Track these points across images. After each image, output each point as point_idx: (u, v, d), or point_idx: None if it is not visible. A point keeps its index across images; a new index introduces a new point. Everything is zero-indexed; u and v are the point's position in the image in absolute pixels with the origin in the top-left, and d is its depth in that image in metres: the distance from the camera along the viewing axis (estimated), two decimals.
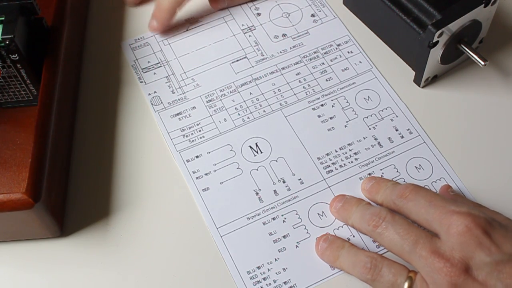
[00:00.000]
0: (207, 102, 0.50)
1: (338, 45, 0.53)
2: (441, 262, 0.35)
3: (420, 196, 0.39)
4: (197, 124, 0.49)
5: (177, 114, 0.50)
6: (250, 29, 0.54)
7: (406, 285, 0.37)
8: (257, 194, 0.45)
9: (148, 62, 0.53)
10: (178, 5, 0.53)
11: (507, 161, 0.46)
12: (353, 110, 0.49)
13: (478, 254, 0.35)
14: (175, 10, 0.53)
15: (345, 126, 0.48)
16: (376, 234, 0.39)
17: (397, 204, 0.40)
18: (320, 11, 0.55)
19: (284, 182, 0.46)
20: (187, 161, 0.47)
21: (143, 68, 0.52)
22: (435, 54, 0.47)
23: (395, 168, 0.46)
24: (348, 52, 0.52)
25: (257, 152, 0.47)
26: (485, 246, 0.35)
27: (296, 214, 0.44)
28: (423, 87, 0.50)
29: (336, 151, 0.47)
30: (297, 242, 0.43)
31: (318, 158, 0.47)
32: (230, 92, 0.51)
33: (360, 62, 0.52)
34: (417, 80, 0.50)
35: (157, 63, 0.53)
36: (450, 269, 0.35)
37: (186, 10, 0.55)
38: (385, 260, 0.39)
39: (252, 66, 0.52)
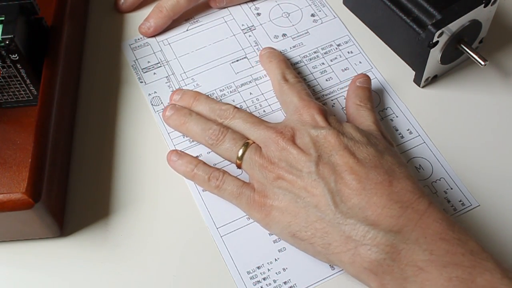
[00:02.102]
0: None
1: (338, 45, 0.53)
2: (274, 133, 0.43)
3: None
4: None
5: None
6: (250, 29, 0.54)
7: (241, 149, 0.43)
8: None
9: (148, 62, 0.53)
10: (176, 14, 0.54)
11: (507, 161, 0.46)
12: None
13: (307, 125, 0.42)
14: (172, 18, 0.54)
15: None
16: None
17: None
18: (320, 11, 0.55)
19: None
20: None
21: (143, 68, 0.52)
22: (435, 54, 0.47)
23: None
24: (348, 52, 0.52)
25: None
26: (316, 122, 0.43)
27: None
28: (423, 87, 0.50)
29: None
30: None
31: None
32: (230, 92, 0.51)
33: (360, 62, 0.52)
34: (417, 80, 0.50)
35: (157, 63, 0.53)
36: (280, 136, 0.42)
37: (186, 10, 0.55)
38: (230, 129, 0.45)
39: (252, 66, 0.52)
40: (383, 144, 0.42)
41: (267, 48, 0.51)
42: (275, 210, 0.41)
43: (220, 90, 0.51)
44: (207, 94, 0.50)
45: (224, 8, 0.56)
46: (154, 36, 0.54)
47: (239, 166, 0.44)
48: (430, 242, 0.35)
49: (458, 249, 0.35)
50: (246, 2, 0.56)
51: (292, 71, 0.49)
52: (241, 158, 0.43)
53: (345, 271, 0.39)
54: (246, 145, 0.43)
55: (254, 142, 0.44)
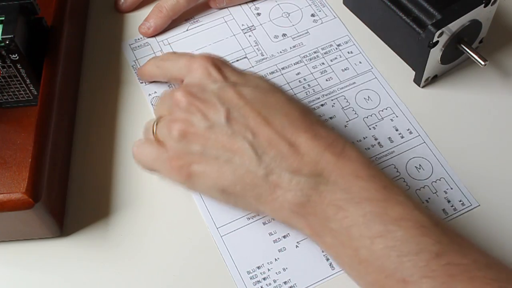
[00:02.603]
0: None
1: (338, 45, 0.53)
2: (176, 92, 0.42)
3: (174, 55, 0.47)
4: None
5: None
6: (250, 29, 0.54)
7: (155, 124, 0.42)
8: None
9: None
10: (176, 14, 0.54)
11: (507, 161, 0.46)
12: (353, 110, 0.49)
13: (206, 80, 0.42)
14: (172, 17, 0.54)
15: (345, 126, 0.48)
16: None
17: (160, 66, 0.48)
18: (320, 11, 0.55)
19: None
20: None
21: None
22: (435, 54, 0.47)
23: (395, 168, 0.46)
24: (348, 52, 0.52)
25: None
26: (213, 76, 0.42)
27: None
28: (423, 87, 0.50)
29: None
30: (297, 242, 0.43)
31: None
32: None
33: (360, 62, 0.52)
34: (417, 80, 0.50)
35: None
36: (180, 94, 0.41)
37: (186, 10, 0.55)
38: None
39: (252, 66, 0.52)
40: (284, 91, 0.43)
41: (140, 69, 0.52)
42: (197, 170, 0.41)
43: None
44: None
45: (224, 8, 0.56)
46: (154, 36, 0.54)
47: (159, 143, 0.42)
48: (347, 181, 0.37)
49: (372, 185, 0.37)
50: (246, 2, 0.56)
51: (162, 55, 0.50)
52: (155, 134, 0.43)
53: (275, 218, 0.41)
54: (157, 120, 0.43)
55: (164, 115, 0.43)
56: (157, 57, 0.49)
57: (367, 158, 0.39)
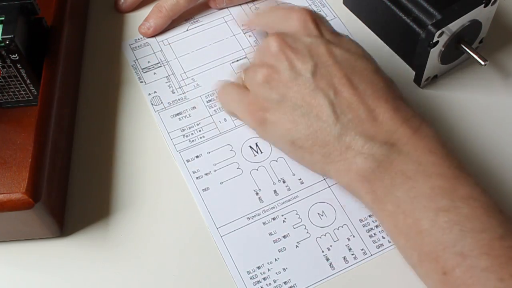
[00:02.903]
0: (207, 102, 0.50)
1: None
2: (270, 38, 0.43)
3: (274, 7, 0.47)
4: (197, 124, 0.49)
5: (177, 114, 0.50)
6: (250, 29, 0.54)
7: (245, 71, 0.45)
8: (257, 194, 0.45)
9: (148, 62, 0.53)
10: (176, 14, 0.54)
11: (507, 161, 0.46)
12: None
13: (301, 32, 0.43)
14: (172, 17, 0.54)
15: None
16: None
17: (258, 14, 0.49)
18: (320, 11, 0.55)
19: (284, 182, 0.46)
20: (187, 161, 0.47)
21: (143, 68, 0.52)
22: (435, 54, 0.47)
23: None
24: None
25: (257, 152, 0.47)
26: (309, 29, 0.43)
27: (296, 214, 0.44)
28: (423, 87, 0.50)
29: None
30: (297, 242, 0.43)
31: None
32: None
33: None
34: (417, 80, 0.50)
35: (157, 63, 0.53)
36: (274, 39, 0.42)
37: (186, 10, 0.55)
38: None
39: None
40: (373, 60, 0.44)
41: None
42: (271, 117, 0.42)
43: None
44: (207, 94, 0.50)
45: (224, 8, 0.56)
46: (154, 36, 0.54)
47: (244, 87, 0.45)
48: (420, 155, 0.38)
49: (444, 162, 0.38)
50: (246, 3, 0.56)
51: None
52: (243, 78, 0.44)
53: (337, 181, 0.42)
54: (247, 67, 0.45)
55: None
56: (259, 13, 0.50)
57: (443, 139, 0.40)
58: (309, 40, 0.42)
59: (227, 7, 0.56)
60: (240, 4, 0.56)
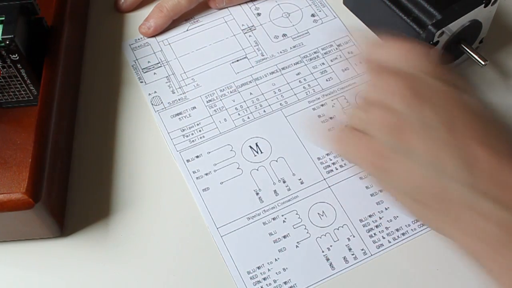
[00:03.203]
0: (207, 102, 0.50)
1: (338, 45, 0.53)
2: (398, 80, 0.38)
3: (389, 44, 0.42)
4: (197, 124, 0.49)
5: (177, 114, 0.50)
6: (250, 29, 0.54)
7: (362, 112, 0.39)
8: (257, 194, 0.45)
9: (148, 62, 0.53)
10: (177, 14, 0.54)
11: None
12: None
13: (426, 76, 0.38)
14: (173, 18, 0.54)
15: (346, 125, 0.48)
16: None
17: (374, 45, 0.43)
18: (320, 11, 0.55)
19: (284, 182, 0.46)
20: (187, 161, 0.47)
21: (143, 68, 0.52)
22: (435, 54, 0.47)
23: None
24: (348, 53, 0.52)
25: (257, 152, 0.47)
26: (432, 72, 0.38)
27: (296, 214, 0.44)
28: None
29: None
30: (297, 242, 0.43)
31: (318, 158, 0.47)
32: (230, 92, 0.51)
33: (360, 62, 0.52)
34: None
35: (157, 63, 0.53)
36: (397, 83, 0.38)
37: (187, 10, 0.55)
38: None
39: (252, 66, 0.52)
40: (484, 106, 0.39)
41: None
42: (394, 167, 0.37)
43: (220, 90, 0.51)
44: (207, 94, 0.50)
45: (224, 8, 0.56)
46: (154, 36, 0.54)
47: (361, 130, 0.40)
48: None
49: None
50: (246, 2, 0.56)
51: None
52: (360, 120, 0.40)
53: (459, 244, 0.37)
54: (365, 108, 0.40)
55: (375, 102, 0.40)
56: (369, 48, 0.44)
57: None
58: (441, 87, 0.38)
59: (226, 7, 0.56)
60: (240, 4, 0.56)
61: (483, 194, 0.35)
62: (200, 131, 0.49)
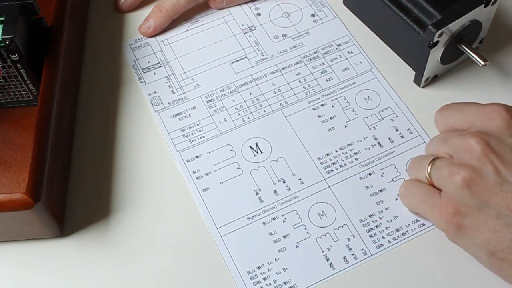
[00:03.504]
0: (207, 102, 0.50)
1: (338, 45, 0.53)
2: (469, 137, 0.39)
3: (456, 105, 0.42)
4: (197, 124, 0.49)
5: (177, 114, 0.50)
6: (250, 29, 0.54)
7: (431, 163, 0.40)
8: (257, 194, 0.45)
9: (148, 62, 0.53)
10: (176, 13, 0.54)
11: None
12: (353, 110, 0.49)
13: (505, 133, 0.39)
14: (172, 17, 0.54)
15: (345, 126, 0.48)
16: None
17: (438, 114, 0.44)
18: (320, 11, 0.55)
19: (284, 182, 0.46)
20: (187, 161, 0.47)
21: (143, 68, 0.52)
22: (435, 54, 0.47)
23: (395, 168, 0.46)
24: (348, 52, 0.52)
25: (257, 152, 0.47)
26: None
27: (296, 214, 0.44)
28: (423, 87, 0.50)
29: (336, 151, 0.47)
30: (297, 242, 0.43)
31: (318, 158, 0.47)
32: (230, 92, 0.51)
33: (360, 62, 0.52)
34: (417, 80, 0.50)
35: (157, 63, 0.53)
36: (474, 141, 0.38)
37: (186, 10, 0.55)
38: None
39: (252, 66, 0.52)
40: None
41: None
42: (470, 224, 0.38)
43: (220, 90, 0.51)
44: (207, 94, 0.50)
45: (224, 8, 0.56)
46: (154, 36, 0.54)
47: (431, 184, 0.41)
48: None
49: None
50: (246, 2, 0.56)
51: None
52: (430, 173, 0.40)
53: None
54: (433, 160, 0.41)
55: (443, 156, 0.41)
56: (441, 110, 0.44)
57: None
58: None
59: (227, 7, 0.56)
60: (240, 4, 0.56)
61: None
62: (200, 131, 0.49)
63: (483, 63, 0.47)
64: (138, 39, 0.54)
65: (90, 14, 0.56)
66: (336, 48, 0.53)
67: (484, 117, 0.40)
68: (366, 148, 0.47)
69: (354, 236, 0.43)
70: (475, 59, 0.47)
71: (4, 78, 0.45)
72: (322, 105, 0.49)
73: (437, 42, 0.46)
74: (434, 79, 0.50)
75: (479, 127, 0.40)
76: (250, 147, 0.48)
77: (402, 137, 0.47)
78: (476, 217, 0.37)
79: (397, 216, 0.44)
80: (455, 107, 0.43)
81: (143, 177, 0.47)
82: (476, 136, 0.39)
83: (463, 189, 0.38)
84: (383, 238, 0.43)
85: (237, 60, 0.52)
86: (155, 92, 0.51)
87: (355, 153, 0.47)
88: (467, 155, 0.38)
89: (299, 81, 0.51)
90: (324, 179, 0.46)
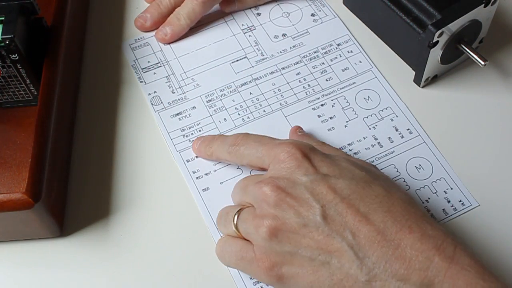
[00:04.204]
0: (207, 102, 0.50)
1: (338, 44, 0.53)
2: (263, 186, 0.38)
3: (250, 139, 0.43)
4: (197, 124, 0.49)
5: (177, 114, 0.50)
6: (250, 29, 0.54)
7: (236, 216, 0.40)
8: None
9: (148, 62, 0.53)
10: (193, 22, 0.53)
11: (507, 161, 0.46)
12: (353, 110, 0.49)
13: (296, 173, 0.38)
14: (190, 25, 0.53)
15: (345, 126, 0.48)
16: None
17: (231, 152, 0.43)
18: (320, 10, 0.55)
19: None
20: (187, 161, 0.47)
21: (143, 68, 0.52)
22: (435, 54, 0.47)
23: (395, 168, 0.46)
24: (348, 52, 0.52)
25: None
26: (303, 168, 0.38)
27: None
28: (423, 87, 0.50)
29: None
30: None
31: None
32: (230, 92, 0.51)
33: (360, 61, 0.52)
34: (417, 80, 0.50)
35: (157, 63, 0.53)
36: (270, 190, 0.38)
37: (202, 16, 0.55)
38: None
39: (252, 66, 0.52)
40: (382, 175, 0.40)
41: (197, 141, 0.47)
42: (289, 272, 0.37)
43: (220, 90, 0.51)
44: (207, 94, 0.50)
45: (236, 12, 0.55)
46: (170, 43, 0.54)
47: (242, 237, 0.40)
48: None
49: None
50: (255, 6, 0.56)
51: (228, 137, 0.45)
52: (237, 227, 0.40)
53: None
54: (239, 212, 0.40)
55: (247, 206, 0.41)
56: (226, 140, 0.44)
57: (481, 263, 0.35)
58: (307, 180, 0.38)
59: (238, 11, 0.55)
60: (250, 8, 0.56)
61: (382, 275, 0.35)
62: (200, 131, 0.49)
63: (483, 63, 0.47)
64: (138, 39, 0.54)
65: (90, 14, 0.56)
66: (336, 48, 0.53)
67: (275, 160, 0.39)
68: (366, 148, 0.47)
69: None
70: (475, 59, 0.47)
71: (4, 78, 0.45)
72: (322, 105, 0.49)
73: (437, 42, 0.46)
74: (434, 79, 0.50)
75: (273, 171, 0.39)
76: None
77: (402, 137, 0.47)
78: (292, 264, 0.37)
79: None
80: (249, 142, 0.42)
81: (143, 177, 0.47)
82: (269, 183, 0.38)
83: (271, 240, 0.37)
84: None
85: (237, 60, 0.52)
86: (155, 92, 0.51)
87: (355, 153, 0.47)
88: (265, 204, 0.38)
89: (299, 81, 0.51)
90: None
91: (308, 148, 0.39)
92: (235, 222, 0.40)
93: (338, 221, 0.36)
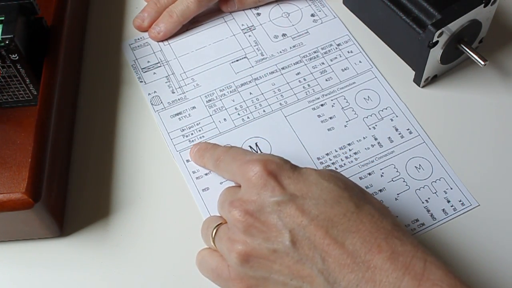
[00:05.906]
0: (207, 102, 0.50)
1: (338, 44, 0.53)
2: (232, 209, 0.38)
3: (228, 155, 0.43)
4: (197, 124, 0.49)
5: (177, 114, 0.50)
6: (250, 29, 0.54)
7: (214, 231, 0.40)
8: None
9: (148, 62, 0.53)
10: (186, 19, 0.53)
11: (507, 160, 0.46)
12: (353, 110, 0.49)
13: (263, 195, 0.37)
14: (182, 23, 0.53)
15: (345, 126, 0.48)
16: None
17: (215, 167, 0.44)
18: (320, 11, 0.55)
19: None
20: (187, 161, 0.47)
21: (143, 68, 0.52)
22: (435, 54, 0.47)
23: (395, 168, 0.46)
24: (348, 52, 0.52)
25: (257, 152, 0.47)
26: (270, 188, 0.37)
27: None
28: (423, 87, 0.50)
29: (336, 151, 0.47)
30: None
31: (318, 158, 0.47)
32: (230, 92, 0.51)
33: (360, 61, 0.52)
34: (417, 80, 0.50)
35: (157, 63, 0.53)
36: (238, 213, 0.37)
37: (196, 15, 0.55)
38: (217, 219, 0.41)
39: (252, 66, 0.52)
40: (350, 184, 0.39)
41: (193, 148, 0.47)
42: None
43: (220, 90, 0.51)
44: (207, 94, 0.50)
45: (235, 12, 0.55)
46: (163, 40, 0.54)
47: (218, 252, 0.40)
48: None
49: None
50: (256, 7, 0.56)
51: (216, 149, 0.45)
52: (214, 243, 0.40)
53: None
54: (217, 227, 0.40)
55: (225, 222, 0.40)
56: (214, 153, 0.44)
57: (453, 274, 0.34)
58: (274, 202, 0.37)
59: (238, 11, 0.55)
60: (250, 8, 0.56)
61: None
62: (200, 131, 0.49)
63: (483, 63, 0.47)
64: (138, 39, 0.54)
65: (90, 14, 0.56)
66: (336, 48, 0.53)
67: (244, 179, 0.39)
68: (365, 148, 0.47)
69: None
70: (475, 59, 0.47)
71: (4, 78, 0.45)
72: (321, 105, 0.49)
73: (437, 42, 0.46)
74: (433, 79, 0.50)
75: (243, 190, 0.39)
76: (250, 147, 0.48)
77: (402, 137, 0.47)
78: (266, 287, 0.37)
79: (397, 216, 0.44)
80: (227, 159, 0.42)
81: (143, 177, 0.47)
82: (237, 207, 0.38)
83: (243, 265, 0.37)
84: None
85: (237, 60, 0.52)
86: (154, 92, 0.51)
87: (355, 153, 0.47)
88: (236, 229, 0.38)
89: (299, 80, 0.51)
90: None
91: (274, 165, 0.38)
92: (213, 236, 0.40)
93: (307, 246, 0.36)
